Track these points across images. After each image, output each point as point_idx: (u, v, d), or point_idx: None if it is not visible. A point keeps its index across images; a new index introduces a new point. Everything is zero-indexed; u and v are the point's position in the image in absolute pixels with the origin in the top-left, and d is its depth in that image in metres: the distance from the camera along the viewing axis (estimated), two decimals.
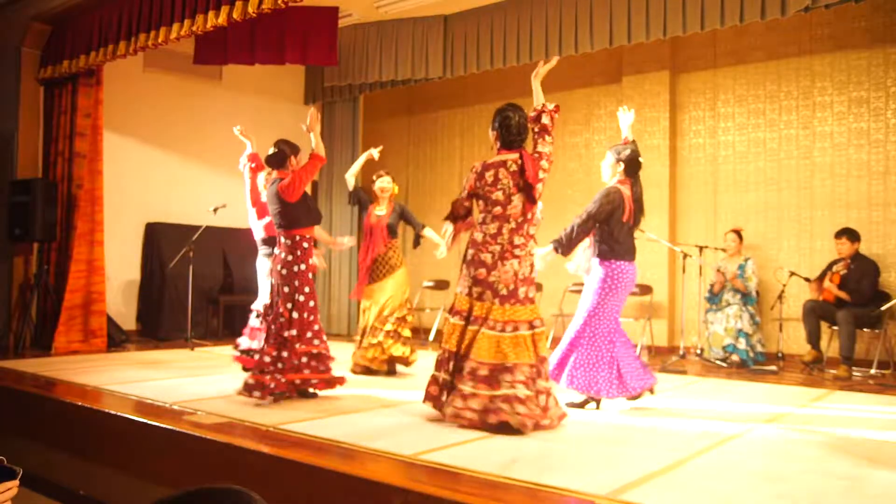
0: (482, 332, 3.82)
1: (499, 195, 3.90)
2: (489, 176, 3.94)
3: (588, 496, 2.69)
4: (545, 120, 3.97)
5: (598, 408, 4.44)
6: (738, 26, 6.11)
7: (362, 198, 6.05)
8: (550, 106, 3.98)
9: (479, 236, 3.95)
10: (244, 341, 5.67)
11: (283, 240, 4.60)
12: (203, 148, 8.71)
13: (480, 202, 4.00)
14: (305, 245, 4.59)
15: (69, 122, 7.34)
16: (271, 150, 4.75)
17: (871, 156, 6.85)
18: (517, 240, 3.90)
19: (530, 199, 3.90)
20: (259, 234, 5.68)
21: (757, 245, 7.34)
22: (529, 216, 3.95)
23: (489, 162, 3.99)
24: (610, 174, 4.60)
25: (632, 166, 4.53)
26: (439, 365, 3.98)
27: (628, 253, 4.46)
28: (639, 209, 4.54)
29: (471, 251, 3.97)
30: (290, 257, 4.55)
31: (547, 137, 3.96)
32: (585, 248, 4.60)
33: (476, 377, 3.77)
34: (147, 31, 6.27)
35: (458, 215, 4.13)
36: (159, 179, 8.37)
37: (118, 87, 7.81)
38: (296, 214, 4.56)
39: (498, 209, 3.91)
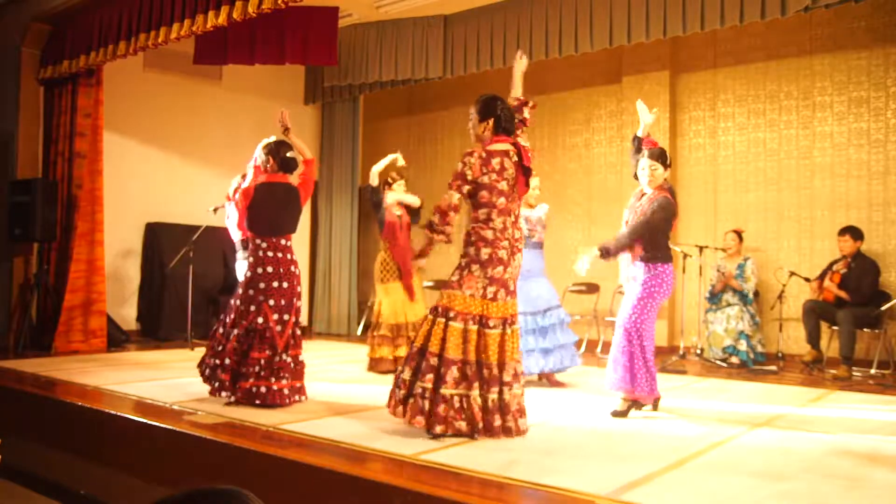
0: (511, 331, 3.70)
1: (504, 185, 3.67)
2: (496, 163, 3.67)
3: (588, 496, 2.69)
4: (527, 114, 3.92)
5: (639, 408, 4.38)
6: (738, 26, 6.11)
7: (379, 199, 6.27)
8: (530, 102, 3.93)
9: (489, 234, 3.67)
10: None
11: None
12: (203, 148, 8.70)
13: (482, 193, 3.67)
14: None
15: (69, 122, 7.33)
16: (290, 154, 4.72)
17: (871, 156, 6.84)
18: (517, 233, 3.77)
19: (522, 189, 3.77)
20: (237, 236, 5.65)
21: (757, 245, 7.33)
22: (518, 209, 3.83)
23: (491, 149, 3.71)
24: (655, 182, 4.51)
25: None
26: (469, 384, 3.58)
27: (669, 256, 4.43)
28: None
29: (486, 250, 3.67)
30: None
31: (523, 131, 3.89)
32: (628, 259, 4.60)
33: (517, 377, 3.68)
34: (147, 31, 6.27)
35: (449, 222, 3.69)
36: (159, 179, 8.36)
37: (118, 87, 7.80)
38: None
39: (502, 201, 3.67)
